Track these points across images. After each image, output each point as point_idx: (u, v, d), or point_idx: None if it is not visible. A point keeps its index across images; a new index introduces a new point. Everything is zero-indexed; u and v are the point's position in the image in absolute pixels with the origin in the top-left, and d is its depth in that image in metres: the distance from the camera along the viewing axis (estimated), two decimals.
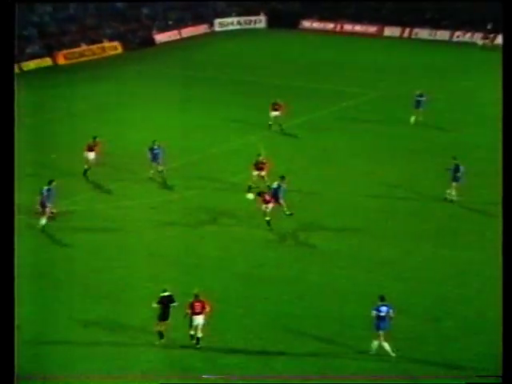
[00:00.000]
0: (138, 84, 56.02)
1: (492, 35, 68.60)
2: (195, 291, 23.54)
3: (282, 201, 32.07)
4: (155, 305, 23.30)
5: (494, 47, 65.79)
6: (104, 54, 66.31)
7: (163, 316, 23.24)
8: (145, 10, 74.74)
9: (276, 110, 44.06)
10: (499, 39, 65.58)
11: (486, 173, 35.51)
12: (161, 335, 23.35)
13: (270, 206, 31.54)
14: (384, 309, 22.64)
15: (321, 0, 80.00)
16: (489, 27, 68.95)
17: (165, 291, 23.33)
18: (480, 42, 69.06)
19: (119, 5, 73.36)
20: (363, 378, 21.75)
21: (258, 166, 35.34)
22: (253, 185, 34.90)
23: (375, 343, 22.62)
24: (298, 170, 38.13)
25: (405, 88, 54.22)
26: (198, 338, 23.37)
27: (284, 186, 32.30)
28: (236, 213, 33.08)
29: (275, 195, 31.91)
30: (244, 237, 31.11)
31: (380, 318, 22.53)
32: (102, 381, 21.61)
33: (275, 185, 32.29)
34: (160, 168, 36.60)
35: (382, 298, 22.86)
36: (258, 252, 29.85)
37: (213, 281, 27.15)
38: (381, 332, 22.57)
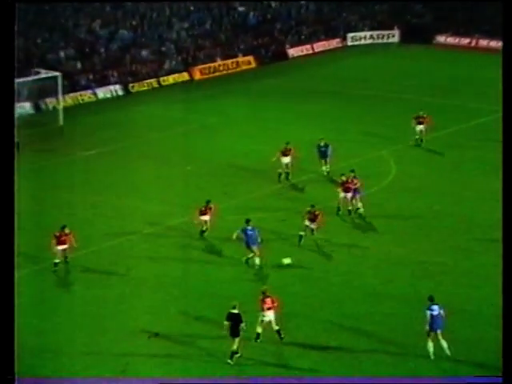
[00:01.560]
0: (271, 98, 57.06)
1: None
2: (263, 288, 24.68)
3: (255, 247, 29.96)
4: (226, 322, 23.30)
5: None
6: (238, 69, 68.00)
7: (233, 333, 23.22)
8: (278, 25, 76.11)
9: (421, 123, 43.64)
10: None
11: None
12: (232, 354, 23.26)
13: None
14: (436, 307, 22.98)
15: (455, 15, 79.36)
16: None
17: (234, 308, 23.43)
18: None
19: (252, 20, 75.04)
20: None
21: (285, 153, 38.05)
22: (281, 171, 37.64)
23: (431, 344, 22.92)
24: (432, 186, 38.38)
25: None
26: (278, 332, 24.22)
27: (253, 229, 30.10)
28: None
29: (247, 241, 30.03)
30: None
31: (433, 317, 22.84)
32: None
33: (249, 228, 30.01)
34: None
35: (432, 298, 23.27)
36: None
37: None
38: (438, 331, 22.92)
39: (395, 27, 79.19)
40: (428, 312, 23.01)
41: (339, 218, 34.34)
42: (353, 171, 34.80)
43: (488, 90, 58.03)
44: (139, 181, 39.34)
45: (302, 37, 75.94)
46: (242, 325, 23.23)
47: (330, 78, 63.69)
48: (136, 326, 25.45)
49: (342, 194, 34.16)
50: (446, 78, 62.93)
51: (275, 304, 24.30)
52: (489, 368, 21.91)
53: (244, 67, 68.66)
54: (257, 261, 29.54)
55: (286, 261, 29.78)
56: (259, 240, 29.72)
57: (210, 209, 32.65)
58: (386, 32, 79.54)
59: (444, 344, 23.00)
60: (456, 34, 77.54)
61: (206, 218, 32.57)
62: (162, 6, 70.57)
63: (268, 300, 24.27)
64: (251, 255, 29.67)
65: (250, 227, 29.67)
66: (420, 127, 43.61)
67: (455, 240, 32.23)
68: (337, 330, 25.39)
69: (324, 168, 39.19)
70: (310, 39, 75.96)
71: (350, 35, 78.80)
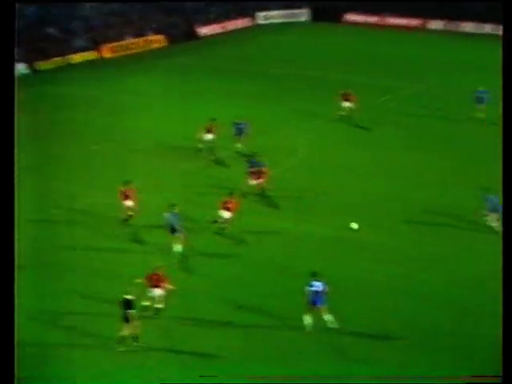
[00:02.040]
0: (183, 77, 56.56)
1: None
2: (156, 265, 24.44)
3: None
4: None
5: None
6: (149, 47, 67.16)
7: (125, 318, 22.68)
8: (189, 4, 75.41)
9: (348, 100, 44.04)
10: None
11: None
12: (121, 339, 22.68)
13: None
14: (319, 284, 23.25)
15: None
16: None
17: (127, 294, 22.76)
18: None
19: None
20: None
21: (209, 130, 38.19)
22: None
23: (308, 318, 23.29)
24: (342, 164, 38.73)
25: (447, 82, 54.48)
26: (157, 309, 24.25)
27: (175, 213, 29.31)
28: None
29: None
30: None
31: (315, 294, 23.15)
32: (102, 381, 21.69)
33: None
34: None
35: (314, 274, 23.42)
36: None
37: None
38: (320, 306, 23.24)
39: (305, 6, 79.57)
40: (309, 288, 23.25)
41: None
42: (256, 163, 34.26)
43: (396, 67, 59.13)
44: (44, 161, 37.98)
45: (213, 16, 75.52)
46: (133, 311, 22.65)
47: (241, 56, 63.59)
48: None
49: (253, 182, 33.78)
50: (355, 55, 63.61)
51: (163, 283, 24.15)
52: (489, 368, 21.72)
53: (155, 45, 67.89)
54: (179, 248, 28.59)
55: (354, 226, 29.80)
56: (179, 226, 28.61)
57: (131, 191, 30.85)
58: (296, 11, 79.92)
59: (328, 317, 23.28)
60: (365, 12, 78.49)
61: (130, 203, 30.91)
62: None
63: (154, 277, 24.15)
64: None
65: (172, 213, 28.78)
66: (347, 104, 44.06)
67: (361, 217, 32.38)
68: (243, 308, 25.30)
69: (239, 145, 39.14)
70: (221, 18, 75.66)
71: (260, 14, 78.86)
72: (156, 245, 29.41)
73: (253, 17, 78.13)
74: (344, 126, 44.37)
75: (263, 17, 78.98)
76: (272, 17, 79.54)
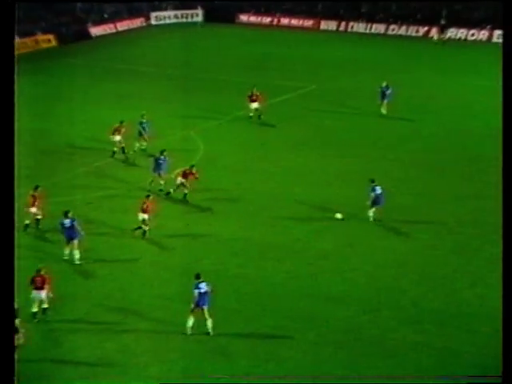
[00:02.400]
0: (74, 78, 55.34)
1: (444, 31, 69.88)
2: (39, 267, 24.30)
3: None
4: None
5: (446, 41, 68.57)
6: (37, 47, 65.40)
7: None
8: (79, 3, 73.93)
9: (254, 101, 44.24)
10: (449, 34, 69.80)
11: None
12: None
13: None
14: (203, 285, 23.36)
15: None
16: (442, 22, 69.95)
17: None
18: (435, 37, 69.80)
19: None
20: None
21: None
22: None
23: (191, 320, 23.29)
24: (240, 164, 38.49)
25: (340, 81, 55.20)
26: (44, 309, 24.33)
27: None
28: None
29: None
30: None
31: (201, 295, 23.22)
32: (102, 381, 21.67)
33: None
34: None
35: (198, 276, 23.54)
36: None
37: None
38: (205, 308, 23.27)
39: (198, 6, 79.23)
40: (195, 290, 23.26)
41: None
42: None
43: (291, 67, 59.48)
44: None
45: (105, 15, 74.27)
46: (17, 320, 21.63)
47: (134, 57, 62.73)
48: None
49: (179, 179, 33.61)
50: (249, 56, 63.68)
51: (46, 284, 24.03)
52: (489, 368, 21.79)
53: (44, 46, 66.16)
54: (76, 255, 27.96)
55: (339, 216, 31.10)
56: (80, 233, 28.08)
57: (38, 197, 30.29)
58: (189, 11, 79.45)
59: (209, 322, 23.33)
60: (258, 12, 78.79)
61: (34, 209, 30.27)
62: None
63: (39, 279, 24.00)
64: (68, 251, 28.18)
65: (67, 220, 28.01)
66: (254, 105, 44.28)
67: (262, 216, 32.40)
68: (148, 310, 25.04)
69: (139, 144, 39.12)
70: (113, 18, 74.49)
71: (153, 14, 78.09)
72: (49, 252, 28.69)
73: (146, 17, 77.26)
74: (245, 126, 44.35)
75: (156, 17, 78.22)
76: (165, 17, 78.89)
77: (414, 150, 40.79)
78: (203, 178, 34.21)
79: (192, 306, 23.38)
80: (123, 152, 38.68)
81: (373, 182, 31.88)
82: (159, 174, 34.55)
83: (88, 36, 70.61)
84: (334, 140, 42.33)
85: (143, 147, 39.17)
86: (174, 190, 33.69)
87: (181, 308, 24.23)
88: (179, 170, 34.09)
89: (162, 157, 34.65)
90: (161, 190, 34.19)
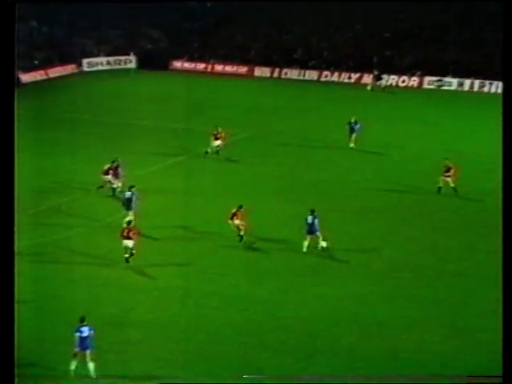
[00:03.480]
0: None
1: (380, 79, 71.34)
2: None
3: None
4: None
5: (385, 88, 70.17)
6: None
7: None
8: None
9: (217, 138, 46.17)
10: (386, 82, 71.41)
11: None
12: None
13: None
14: (86, 329, 23.53)
15: (189, 40, 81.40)
16: (376, 73, 71.49)
17: None
18: (369, 87, 71.18)
19: None
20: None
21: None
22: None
23: (74, 363, 23.43)
24: (167, 210, 38.54)
25: (275, 127, 55.85)
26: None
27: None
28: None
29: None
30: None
31: (83, 339, 23.36)
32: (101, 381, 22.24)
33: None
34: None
35: (83, 319, 23.75)
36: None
37: None
38: (87, 352, 23.42)
39: (131, 53, 79.51)
40: (77, 334, 23.46)
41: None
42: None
43: (225, 113, 59.84)
44: None
45: (36, 62, 73.90)
46: None
47: (66, 104, 62.36)
48: None
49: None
50: (184, 102, 63.87)
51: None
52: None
53: None
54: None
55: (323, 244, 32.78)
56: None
57: None
58: (122, 58, 79.66)
59: (91, 366, 23.41)
60: (191, 59, 79.45)
61: None
62: None
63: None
64: None
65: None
66: (217, 142, 46.39)
67: (198, 264, 32.42)
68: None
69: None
70: (44, 64, 74.15)
71: (85, 61, 78.03)
72: None
73: (78, 63, 77.11)
74: (182, 171, 44.49)
75: (88, 63, 78.14)
76: (98, 63, 78.86)
77: (339, 195, 41.41)
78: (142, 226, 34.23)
79: (75, 349, 23.41)
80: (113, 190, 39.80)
81: (312, 212, 33.20)
82: (128, 210, 35.59)
83: (18, 83, 70.03)
84: (267, 186, 42.69)
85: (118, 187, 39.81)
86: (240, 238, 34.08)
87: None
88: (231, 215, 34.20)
89: (130, 192, 36.10)
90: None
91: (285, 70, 76.22)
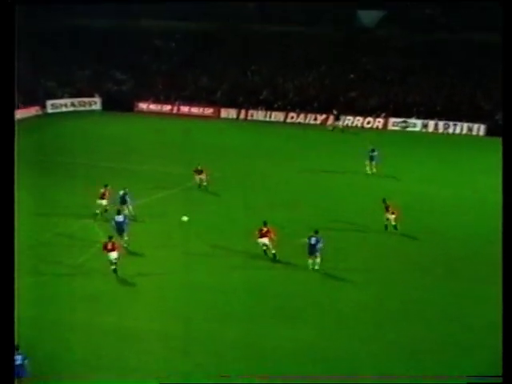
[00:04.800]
0: None
1: (339, 119, 73.18)
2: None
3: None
4: None
5: (344, 129, 71.95)
6: None
7: None
8: None
9: (200, 173, 49.77)
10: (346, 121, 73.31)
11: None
12: None
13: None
14: (18, 358, 24.60)
15: (155, 82, 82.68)
16: (335, 112, 73.26)
17: None
18: (330, 127, 72.87)
19: None
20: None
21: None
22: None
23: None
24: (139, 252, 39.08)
25: (241, 168, 56.82)
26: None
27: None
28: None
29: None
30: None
31: (16, 367, 24.08)
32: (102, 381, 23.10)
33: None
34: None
35: (17, 347, 24.35)
36: None
37: None
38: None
39: (96, 94, 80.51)
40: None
41: None
42: None
43: (193, 154, 60.42)
44: None
45: None
46: None
47: (29, 146, 62.54)
48: None
49: None
50: (148, 144, 64.76)
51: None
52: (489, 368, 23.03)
53: None
54: None
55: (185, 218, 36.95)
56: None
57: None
58: (87, 99, 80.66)
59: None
60: (157, 101, 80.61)
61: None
62: None
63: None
64: None
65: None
66: (199, 176, 49.93)
67: (165, 306, 33.29)
68: None
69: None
70: None
71: (49, 102, 78.87)
72: None
73: (41, 105, 77.84)
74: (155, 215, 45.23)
75: (52, 105, 78.98)
76: (62, 105, 79.72)
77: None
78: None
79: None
80: (105, 211, 42.89)
81: (316, 232, 35.87)
82: (121, 235, 38.25)
83: None
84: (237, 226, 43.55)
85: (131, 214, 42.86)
86: (268, 253, 36.84)
87: None
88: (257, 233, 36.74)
89: (121, 216, 38.94)
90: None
91: (251, 112, 77.83)
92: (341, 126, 72.50)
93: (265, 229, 36.35)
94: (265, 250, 36.74)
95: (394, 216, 41.49)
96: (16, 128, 58.01)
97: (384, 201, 42.20)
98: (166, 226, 42.81)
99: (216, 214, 45.63)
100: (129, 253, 38.00)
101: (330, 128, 72.41)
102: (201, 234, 41.40)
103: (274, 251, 36.58)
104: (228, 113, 78.36)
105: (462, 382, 22.57)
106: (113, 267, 35.04)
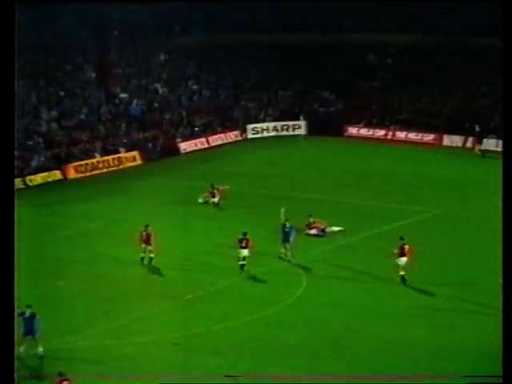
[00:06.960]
0: (155, 199, 54.71)
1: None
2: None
3: None
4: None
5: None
6: (121, 166, 65.44)
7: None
8: (166, 115, 74.39)
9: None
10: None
11: None
12: None
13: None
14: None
15: (367, 103, 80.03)
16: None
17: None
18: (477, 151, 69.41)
19: (136, 109, 73.14)
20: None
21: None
22: None
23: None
24: None
25: (465, 205, 52.74)
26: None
27: None
28: None
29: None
30: None
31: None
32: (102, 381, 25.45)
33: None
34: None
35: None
36: None
37: None
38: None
39: (301, 117, 78.62)
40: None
41: None
42: None
43: (412, 187, 57.30)
44: None
45: (196, 129, 74.32)
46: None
47: (228, 175, 61.67)
48: None
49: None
50: (359, 174, 62.15)
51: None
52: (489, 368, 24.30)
53: (128, 164, 66.13)
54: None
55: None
56: None
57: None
58: (290, 123, 78.85)
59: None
60: (369, 124, 77.61)
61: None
62: (27, 91, 67.68)
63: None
64: None
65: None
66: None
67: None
68: None
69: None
70: (205, 131, 74.45)
71: (250, 126, 77.69)
72: None
73: (242, 130, 76.94)
74: None
75: (253, 129, 77.79)
76: (263, 129, 78.33)
77: None
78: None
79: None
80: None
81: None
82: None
83: (176, 152, 70.52)
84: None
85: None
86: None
87: None
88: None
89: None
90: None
91: (480, 140, 72.06)
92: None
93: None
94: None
95: None
96: (214, 154, 59.03)
97: None
98: None
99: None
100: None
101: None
102: None
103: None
104: (452, 140, 73.62)
105: (461, 382, 23.68)
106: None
